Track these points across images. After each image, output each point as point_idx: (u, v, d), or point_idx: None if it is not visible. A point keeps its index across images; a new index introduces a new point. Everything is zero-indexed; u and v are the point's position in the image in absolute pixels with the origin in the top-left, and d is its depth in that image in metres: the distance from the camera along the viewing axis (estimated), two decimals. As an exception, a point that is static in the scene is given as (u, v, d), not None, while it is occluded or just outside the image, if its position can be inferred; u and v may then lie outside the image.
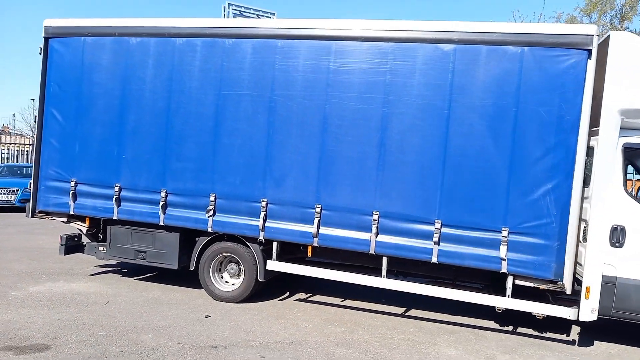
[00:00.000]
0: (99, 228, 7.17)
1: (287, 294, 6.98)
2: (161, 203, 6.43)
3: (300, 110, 5.99)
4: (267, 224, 6.10)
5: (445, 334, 5.79)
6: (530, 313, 5.57)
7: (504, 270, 5.41)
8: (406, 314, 6.52)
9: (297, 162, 6.02)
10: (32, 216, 7.12)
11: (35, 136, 7.26)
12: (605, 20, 29.84)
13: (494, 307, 5.67)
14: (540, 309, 5.42)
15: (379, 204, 5.73)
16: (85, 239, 7.35)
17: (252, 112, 6.15)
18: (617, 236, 5.23)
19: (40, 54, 7.02)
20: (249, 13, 23.32)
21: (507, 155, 5.38)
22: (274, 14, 24.11)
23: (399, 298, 6.76)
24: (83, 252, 7.28)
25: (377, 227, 5.72)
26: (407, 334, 5.69)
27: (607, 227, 5.24)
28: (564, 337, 6.02)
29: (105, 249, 6.99)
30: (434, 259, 5.58)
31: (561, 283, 5.29)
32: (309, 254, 6.23)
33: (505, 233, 5.36)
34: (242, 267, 6.51)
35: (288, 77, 6.01)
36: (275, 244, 6.19)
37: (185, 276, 7.06)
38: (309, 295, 7.03)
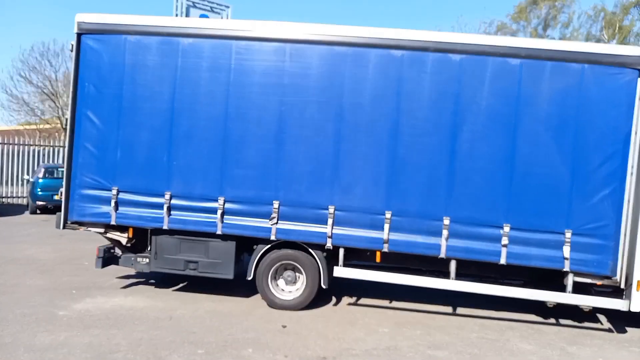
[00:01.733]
0: (138, 238, 6.76)
1: (334, 299, 7.03)
2: (219, 211, 6.22)
3: (370, 118, 6.08)
4: (334, 231, 6.13)
5: (508, 330, 6.19)
6: (559, 306, 6.18)
7: (566, 268, 5.90)
8: (456, 312, 6.84)
9: (366, 170, 6.10)
10: (64, 227, 6.55)
11: (66, 140, 6.66)
12: (531, 28, 32.50)
13: (529, 301, 6.20)
14: (599, 302, 5.98)
15: (450, 210, 5.98)
16: (118, 250, 6.90)
17: (319, 120, 6.13)
18: (659, 235, 5.89)
19: (72, 50, 6.47)
20: (203, 5, 22.56)
21: (569, 163, 5.86)
22: (228, 7, 23.50)
23: (437, 297, 7.08)
24: (117, 264, 6.82)
25: (448, 232, 5.97)
26: (479, 332, 6.01)
27: (653, 227, 5.88)
28: (600, 325, 6.67)
29: (147, 260, 6.61)
30: (503, 261, 5.94)
31: (615, 278, 5.88)
32: (378, 259, 6.34)
33: (568, 234, 5.85)
34: (301, 274, 6.47)
35: (358, 85, 6.07)
36: (341, 250, 6.23)
37: (220, 284, 6.88)
38: (355, 298, 7.13)
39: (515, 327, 6.33)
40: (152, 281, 7.41)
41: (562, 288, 6.06)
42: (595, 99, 5.83)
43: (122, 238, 6.68)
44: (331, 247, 6.18)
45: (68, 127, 6.52)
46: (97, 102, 6.41)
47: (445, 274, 6.48)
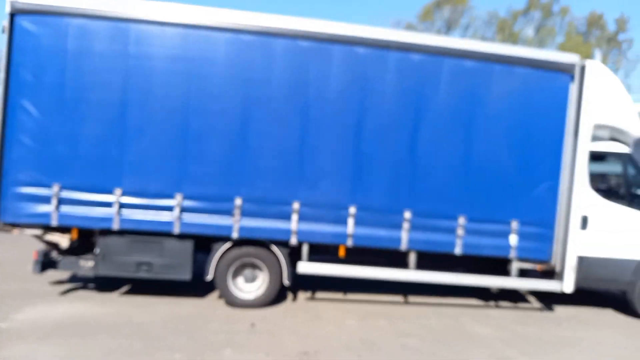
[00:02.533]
0: (82, 240, 6.20)
1: (290, 295, 6.99)
2: (177, 209, 5.90)
3: (334, 115, 6.12)
4: (299, 227, 6.10)
5: (460, 316, 6.61)
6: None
7: (513, 256, 6.43)
8: (408, 301, 7.15)
9: (332, 165, 6.14)
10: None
11: None
12: (436, 29, 34.65)
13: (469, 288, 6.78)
14: (539, 285, 6.61)
15: (412, 203, 6.22)
16: (54, 253, 6.26)
17: (284, 115, 6.04)
18: (584, 222, 6.63)
19: (4, 32, 5.74)
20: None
21: (516, 159, 6.38)
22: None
23: (387, 288, 7.37)
24: (56, 268, 6.19)
25: (409, 225, 6.22)
26: (437, 319, 6.34)
27: (579, 217, 6.60)
28: (532, 306, 7.36)
29: (92, 263, 6.08)
30: (458, 251, 6.32)
31: (552, 263, 6.53)
32: (342, 254, 6.40)
33: (515, 225, 6.38)
34: (261, 272, 6.36)
35: (322, 81, 6.08)
36: (305, 246, 6.22)
37: (168, 286, 6.59)
38: (311, 293, 7.15)
39: (465, 313, 6.78)
40: (92, 285, 6.83)
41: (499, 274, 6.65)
42: (536, 100, 6.40)
43: (64, 240, 6.08)
44: (296, 244, 6.14)
45: (0, 117, 5.78)
46: (34, 91, 5.74)
47: (396, 265, 6.75)
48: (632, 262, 6.81)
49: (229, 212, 6.01)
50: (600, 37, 38.44)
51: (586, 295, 7.54)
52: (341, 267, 6.36)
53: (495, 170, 6.37)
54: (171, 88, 5.90)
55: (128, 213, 5.88)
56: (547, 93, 6.41)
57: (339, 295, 7.18)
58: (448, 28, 34.57)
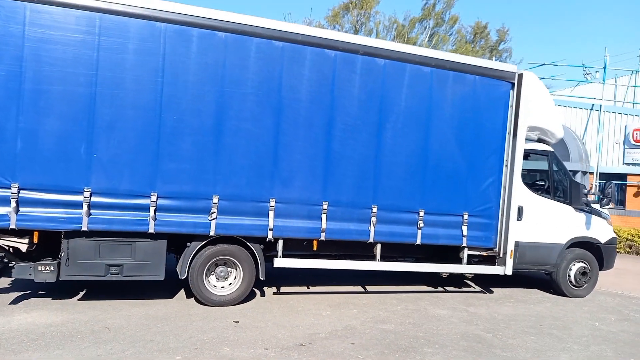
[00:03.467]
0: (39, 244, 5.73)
1: (257, 290, 7.06)
2: (152, 208, 5.71)
3: (307, 113, 6.30)
4: (275, 223, 6.21)
5: (418, 300, 7.18)
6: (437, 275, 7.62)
7: (464, 244, 7.11)
8: (368, 290, 7.58)
9: (305, 163, 6.31)
10: (-61, 237, 5.18)
11: None
12: (344, 32, 35.80)
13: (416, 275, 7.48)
14: (486, 270, 7.36)
15: (378, 199, 6.62)
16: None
17: (258, 113, 6.10)
18: (519, 213, 7.52)
19: (-55, 12, 5.13)
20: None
21: (467, 157, 7.06)
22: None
23: (345, 279, 7.77)
24: (7, 276, 5.67)
25: (376, 218, 6.61)
26: (400, 305, 6.83)
27: (516, 207, 7.48)
28: (474, 289, 8.19)
29: (52, 268, 5.66)
30: (418, 241, 6.85)
31: (496, 250, 7.33)
32: (315, 248, 6.61)
33: (466, 216, 7.06)
34: (234, 269, 6.38)
35: (295, 81, 6.23)
36: (280, 242, 6.35)
37: (126, 288, 6.43)
38: (275, 288, 7.30)
39: (421, 298, 7.37)
40: (42, 293, 6.33)
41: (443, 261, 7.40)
42: (483, 104, 7.12)
43: (21, 244, 5.58)
44: (273, 239, 6.25)
45: (-58, 109, 5.15)
46: (-16, 80, 5.21)
47: (356, 258, 7.15)
48: (558, 247, 7.87)
49: (206, 210, 5.93)
50: (484, 45, 42.28)
51: (514, 278, 8.53)
52: (314, 261, 6.59)
53: (449, 167, 6.99)
54: (143, 83, 5.67)
55: (98, 213, 5.57)
56: (492, 98, 7.17)
57: (302, 289, 7.40)
58: (356, 31, 35.88)
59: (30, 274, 5.66)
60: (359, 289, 7.66)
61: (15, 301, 5.93)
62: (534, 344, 5.51)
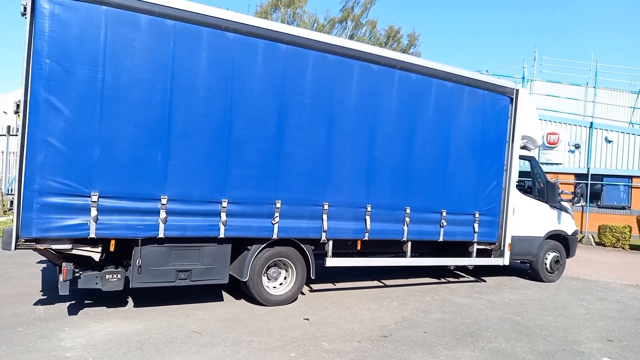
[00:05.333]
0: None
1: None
2: (223, 213, 5.88)
3: (354, 123, 6.78)
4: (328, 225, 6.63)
5: (437, 291, 7.99)
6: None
7: (475, 239, 8.05)
8: (388, 284, 8.26)
9: (351, 168, 6.79)
10: (17, 247, 4.94)
11: (19, 133, 4.94)
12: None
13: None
14: (491, 261, 8.36)
15: (410, 201, 7.29)
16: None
17: (313, 122, 6.46)
18: (513, 211, 8.64)
19: (25, 15, 4.89)
20: None
21: (478, 163, 7.98)
22: None
23: (356, 274, 8.40)
24: (74, 286, 5.52)
25: (409, 219, 7.29)
26: (427, 296, 7.59)
27: (512, 206, 8.57)
28: (471, 279, 9.21)
29: (119, 276, 5.62)
30: (441, 239, 7.66)
31: (498, 244, 8.38)
32: (359, 248, 7.12)
33: (477, 215, 8.00)
34: (286, 270, 6.71)
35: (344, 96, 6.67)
36: (330, 243, 6.77)
37: (175, 294, 6.53)
38: (307, 286, 7.69)
39: (435, 289, 8.20)
40: (88, 302, 6.17)
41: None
42: (490, 116, 8.09)
43: (95, 254, 5.45)
44: (326, 241, 6.66)
45: (20, 115, 4.90)
46: (64, 86, 5.02)
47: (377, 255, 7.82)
48: (538, 239, 9.15)
49: (269, 215, 6.20)
50: (396, 48, 44.70)
51: (486, 269, 9.66)
52: (360, 259, 7.14)
53: (464, 171, 7.86)
54: (214, 91, 5.80)
55: (172, 220, 5.62)
56: (496, 111, 8.16)
57: (329, 285, 7.88)
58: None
59: (96, 283, 5.57)
60: (376, 283, 8.30)
61: (73, 312, 5.75)
62: (556, 323, 6.55)
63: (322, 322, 5.92)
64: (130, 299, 6.37)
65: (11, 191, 5.97)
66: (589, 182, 20.01)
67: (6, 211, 13.67)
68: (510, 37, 61.67)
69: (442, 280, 8.93)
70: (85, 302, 6.16)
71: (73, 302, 6.12)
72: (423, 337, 5.57)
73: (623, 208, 20.03)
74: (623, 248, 15.98)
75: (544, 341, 5.72)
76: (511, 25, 61.15)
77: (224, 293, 6.97)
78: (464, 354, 5.13)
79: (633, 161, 20.38)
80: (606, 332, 6.28)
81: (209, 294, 6.82)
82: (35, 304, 6.00)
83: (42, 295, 6.40)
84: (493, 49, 60.82)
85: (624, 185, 20.24)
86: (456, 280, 9.03)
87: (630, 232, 16.14)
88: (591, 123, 21.07)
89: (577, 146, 21.04)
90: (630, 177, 20.14)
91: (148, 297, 6.39)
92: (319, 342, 5.20)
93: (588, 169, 20.62)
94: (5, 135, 16.69)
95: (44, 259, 8.27)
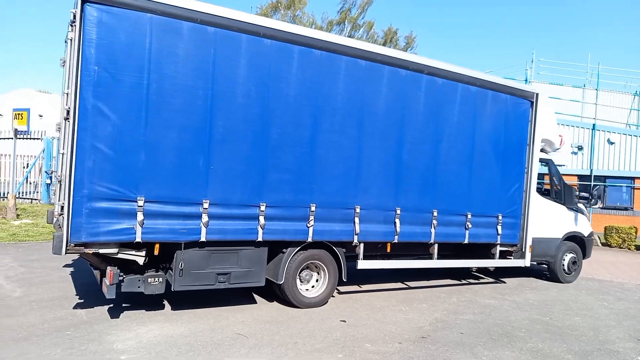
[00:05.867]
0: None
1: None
2: (261, 217, 5.97)
3: (383, 127, 6.89)
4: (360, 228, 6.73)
5: (462, 292, 8.12)
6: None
7: (498, 241, 8.18)
8: (411, 286, 8.37)
9: (381, 171, 6.90)
10: (67, 252, 5.00)
11: (67, 138, 5.01)
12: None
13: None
14: (513, 262, 8.50)
15: (436, 204, 7.42)
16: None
17: (344, 126, 6.56)
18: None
19: (73, 24, 4.97)
20: None
21: (501, 166, 8.12)
22: None
23: (377, 277, 8.52)
24: (119, 290, 5.59)
25: (436, 221, 7.41)
26: (453, 298, 7.72)
27: (533, 208, 8.71)
28: (490, 280, 9.35)
29: (160, 279, 5.69)
30: (466, 241, 7.78)
31: (519, 245, 8.51)
32: (389, 250, 7.23)
33: (500, 217, 8.13)
34: (317, 272, 6.81)
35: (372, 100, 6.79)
36: (361, 245, 6.88)
37: (205, 297, 6.61)
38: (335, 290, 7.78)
39: (458, 290, 8.33)
40: (126, 305, 6.24)
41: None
42: (512, 120, 8.23)
43: (139, 257, 5.52)
44: (358, 243, 6.77)
45: (70, 122, 4.97)
46: (111, 92, 5.11)
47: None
48: (556, 241, 9.30)
49: (304, 218, 6.30)
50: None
51: (499, 270, 9.81)
52: (391, 262, 7.27)
53: (488, 174, 7.99)
54: (252, 97, 5.89)
55: (213, 224, 5.70)
56: (517, 114, 8.30)
57: (355, 287, 7.98)
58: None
59: (139, 287, 5.64)
60: (400, 285, 8.41)
61: (115, 315, 5.81)
62: (583, 323, 6.69)
63: (359, 324, 6.02)
64: (166, 302, 6.44)
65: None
66: (592, 183, 20.24)
67: (19, 214, 13.66)
68: (507, 34, 62.16)
69: (464, 281, 9.06)
70: (123, 305, 6.23)
71: (111, 305, 6.18)
72: (461, 338, 5.69)
73: (626, 209, 20.27)
74: (629, 249, 16.20)
75: (578, 341, 5.86)
76: (508, 22, 61.66)
77: (255, 295, 7.05)
78: (504, 354, 5.25)
79: (635, 162, 20.65)
80: (634, 331, 6.43)
81: (241, 296, 6.89)
82: (75, 307, 6.05)
83: (79, 299, 6.44)
84: (489, 47, 61.27)
85: (627, 186, 20.50)
86: (477, 281, 9.16)
87: (635, 232, 16.35)
88: (593, 125, 21.34)
89: (580, 148, 21.29)
90: (633, 179, 20.40)
91: (184, 300, 6.47)
92: (361, 344, 5.30)
93: (591, 170, 20.87)
94: (12, 138, 16.65)
95: (71, 262, 8.44)
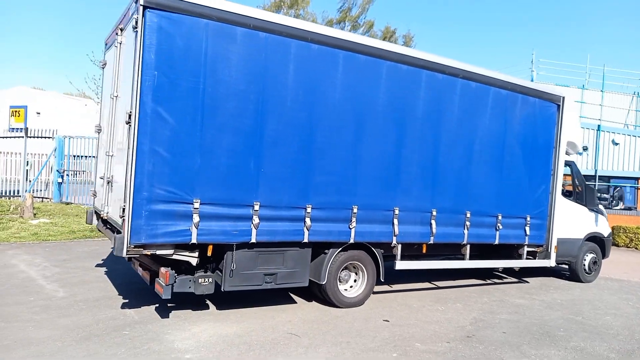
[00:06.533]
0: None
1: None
2: (307, 219, 6.09)
3: (421, 130, 7.03)
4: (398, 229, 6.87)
5: (490, 292, 8.28)
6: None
7: (526, 242, 8.35)
8: (440, 286, 8.52)
9: (417, 174, 7.04)
10: (127, 253, 5.10)
11: (127, 142, 5.10)
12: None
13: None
14: (540, 263, 8.68)
15: (470, 205, 7.57)
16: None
17: (385, 129, 6.69)
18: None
19: (135, 29, 5.05)
20: None
21: (529, 168, 8.28)
22: None
23: (413, 277, 8.67)
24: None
25: (469, 222, 7.56)
26: (484, 297, 7.88)
27: (559, 209, 8.88)
28: (514, 280, 9.52)
29: (210, 280, 5.80)
30: (497, 242, 7.94)
31: (545, 246, 8.69)
32: (424, 251, 7.39)
33: (529, 218, 8.30)
34: (356, 273, 6.94)
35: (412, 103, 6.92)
36: (399, 246, 7.02)
37: (241, 297, 6.71)
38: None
39: (486, 290, 8.49)
40: (171, 305, 6.33)
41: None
42: (540, 123, 8.40)
43: (192, 258, 5.62)
44: (396, 244, 6.90)
45: (132, 126, 5.05)
46: (169, 96, 5.20)
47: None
48: (578, 241, 9.49)
49: (346, 220, 6.42)
50: (392, 49, 45.20)
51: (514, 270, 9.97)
52: (427, 262, 7.42)
53: (517, 176, 8.15)
54: (299, 102, 6.00)
55: (263, 225, 5.81)
56: (545, 117, 8.47)
57: (386, 287, 8.11)
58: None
59: (189, 287, 5.73)
60: (428, 285, 8.56)
61: (164, 315, 5.91)
62: (616, 322, 6.86)
63: (402, 324, 6.16)
64: (209, 302, 6.55)
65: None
66: (597, 183, 20.52)
67: (36, 214, 13.68)
68: (505, 30, 62.54)
69: (488, 281, 9.22)
70: (169, 304, 6.32)
71: (157, 305, 6.28)
72: (505, 337, 5.84)
73: (629, 209, 20.57)
74: (636, 248, 16.46)
75: (616, 340, 6.03)
76: (506, 19, 62.06)
77: (292, 295, 7.16)
78: (551, 352, 5.41)
79: (639, 163, 20.96)
80: (666, 330, 6.62)
81: (278, 296, 6.99)
82: (123, 307, 6.13)
83: (123, 298, 6.52)
84: (488, 43, 61.60)
85: (630, 186, 20.80)
86: (501, 281, 9.33)
87: (644, 232, 16.62)
88: (598, 126, 21.60)
89: (585, 148, 21.55)
90: (637, 179, 20.70)
91: (223, 301, 6.56)
92: (411, 343, 5.44)
93: (595, 170, 21.13)
94: (22, 137, 16.64)
95: (101, 262, 8.52)
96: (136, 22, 5.03)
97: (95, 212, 7.13)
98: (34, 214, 13.51)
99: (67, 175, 17.13)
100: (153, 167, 5.16)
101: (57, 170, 16.98)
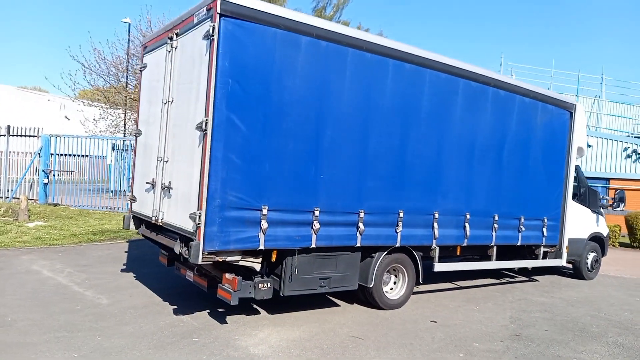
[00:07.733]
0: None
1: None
2: (360, 223, 6.24)
3: (459, 135, 7.30)
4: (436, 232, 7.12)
5: (512, 291, 8.67)
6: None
7: (543, 243, 8.79)
8: (462, 286, 8.85)
9: (455, 178, 7.31)
10: (202, 260, 5.09)
11: (199, 149, 5.08)
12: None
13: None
14: (555, 262, 9.15)
15: (500, 208, 7.91)
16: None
17: (429, 136, 6.92)
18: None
19: (210, 37, 5.06)
20: None
21: (547, 171, 8.72)
22: None
23: (434, 278, 8.99)
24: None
25: (497, 225, 7.91)
26: (508, 296, 8.25)
27: (570, 212, 9.37)
28: (523, 278, 9.98)
29: (269, 284, 5.86)
30: (519, 243, 8.34)
31: (558, 246, 9.17)
32: (458, 253, 7.66)
33: (546, 220, 8.74)
34: (397, 275, 7.15)
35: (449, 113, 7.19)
36: (437, 249, 7.27)
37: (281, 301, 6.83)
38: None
39: (506, 289, 8.89)
40: (222, 310, 6.35)
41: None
42: (555, 128, 8.85)
43: (257, 264, 5.66)
44: (435, 247, 7.15)
45: (208, 133, 5.05)
46: (242, 104, 5.22)
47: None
48: (583, 241, 10.04)
49: (393, 224, 6.61)
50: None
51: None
52: (463, 264, 7.73)
53: (537, 179, 8.57)
54: (354, 110, 6.14)
55: (322, 230, 5.92)
56: (560, 124, 8.93)
57: (414, 288, 8.35)
58: None
59: (250, 292, 5.76)
60: (450, 284, 8.87)
61: (222, 321, 5.93)
62: (636, 318, 7.36)
63: (449, 324, 6.41)
64: (257, 307, 6.59)
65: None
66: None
67: (30, 216, 13.19)
68: (474, 25, 64.32)
69: (502, 280, 9.63)
70: (219, 310, 6.34)
71: (208, 310, 6.29)
72: (550, 335, 6.19)
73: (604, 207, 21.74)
74: (613, 245, 17.43)
75: (646, 335, 6.50)
76: (483, 11, 63.86)
77: (331, 298, 7.29)
78: (597, 348, 5.78)
79: (611, 164, 22.16)
80: (683, 324, 7.16)
81: (321, 300, 7.11)
82: (176, 313, 6.10)
83: (169, 304, 6.48)
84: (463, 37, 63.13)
85: (602, 187, 21.97)
86: (514, 280, 9.76)
87: (620, 230, 17.62)
88: (573, 129, 22.66)
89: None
90: (608, 179, 21.90)
91: (269, 305, 6.59)
92: (469, 343, 5.69)
93: (570, 171, 22.20)
94: (4, 135, 15.87)
95: (124, 267, 8.39)
96: (212, 30, 5.03)
97: (135, 217, 7.02)
98: (29, 217, 13.03)
99: (54, 175, 16.56)
100: (226, 174, 5.17)
101: (43, 170, 16.38)
